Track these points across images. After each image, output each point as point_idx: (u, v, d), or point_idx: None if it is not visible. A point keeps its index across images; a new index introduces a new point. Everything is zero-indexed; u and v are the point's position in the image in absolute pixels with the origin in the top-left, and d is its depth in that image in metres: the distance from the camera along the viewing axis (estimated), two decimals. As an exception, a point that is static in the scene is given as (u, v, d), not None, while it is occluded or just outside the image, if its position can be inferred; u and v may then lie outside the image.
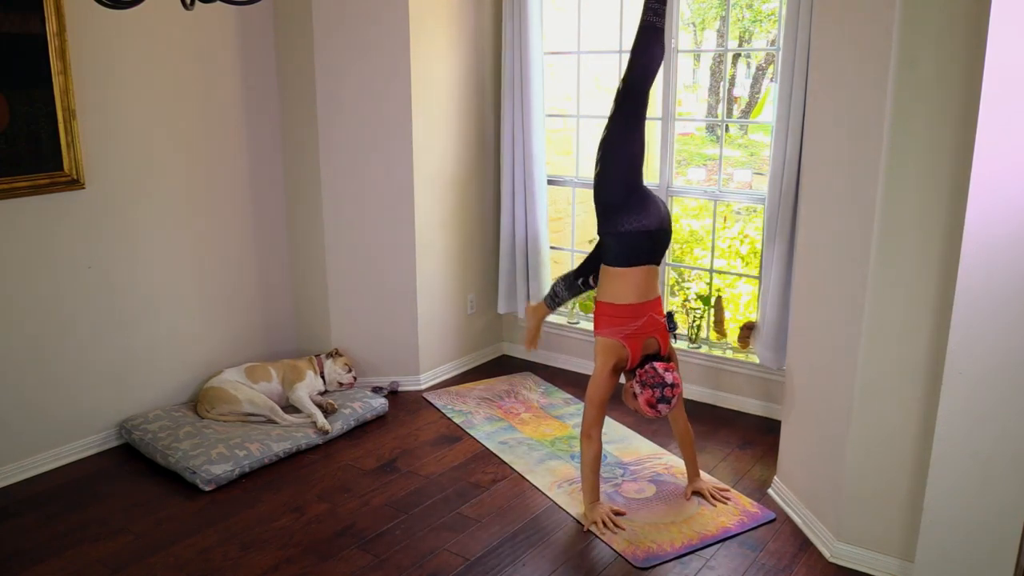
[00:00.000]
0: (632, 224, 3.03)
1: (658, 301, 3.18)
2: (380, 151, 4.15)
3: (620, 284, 3.10)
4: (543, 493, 3.36)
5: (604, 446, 3.73)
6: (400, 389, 4.40)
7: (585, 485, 3.15)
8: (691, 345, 4.30)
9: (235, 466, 3.41)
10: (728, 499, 3.28)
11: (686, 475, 3.38)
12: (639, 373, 3.04)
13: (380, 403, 4.07)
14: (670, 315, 3.23)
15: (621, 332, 3.09)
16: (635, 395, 3.03)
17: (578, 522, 3.14)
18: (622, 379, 3.20)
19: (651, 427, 3.92)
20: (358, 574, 2.83)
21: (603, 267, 3.17)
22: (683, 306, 4.38)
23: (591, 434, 3.10)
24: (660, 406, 2.98)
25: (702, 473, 3.40)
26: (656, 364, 3.02)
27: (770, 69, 7.82)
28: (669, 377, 2.99)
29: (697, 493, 3.31)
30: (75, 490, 3.37)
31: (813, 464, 3.05)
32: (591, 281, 3.40)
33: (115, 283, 3.67)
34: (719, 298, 4.37)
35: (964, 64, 2.34)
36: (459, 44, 4.34)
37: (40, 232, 3.40)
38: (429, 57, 4.16)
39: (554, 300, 3.56)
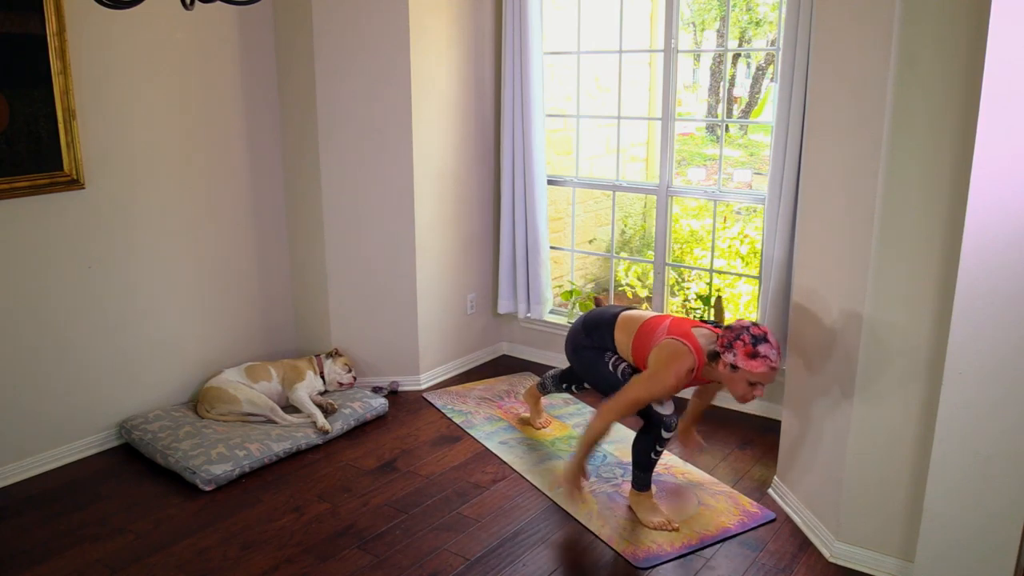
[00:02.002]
0: (581, 326, 3.35)
1: (670, 315, 3.23)
2: (380, 151, 4.15)
3: (623, 329, 3.18)
4: (543, 493, 3.36)
5: (604, 446, 3.74)
6: (400, 389, 4.40)
7: (577, 450, 3.07)
8: (691, 345, 4.29)
9: (235, 466, 3.41)
10: (702, 445, 3.51)
11: (688, 419, 3.52)
12: (718, 343, 2.84)
13: (380, 403, 4.07)
14: (719, 299, 3.27)
15: (662, 335, 3.00)
16: (733, 366, 2.78)
17: (579, 522, 3.14)
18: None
19: (651, 427, 3.92)
20: (358, 574, 2.83)
21: (616, 344, 3.21)
22: (683, 306, 4.38)
23: (606, 417, 2.97)
24: (761, 348, 2.72)
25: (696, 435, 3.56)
26: (729, 324, 2.87)
27: (770, 69, 7.82)
28: (747, 322, 2.80)
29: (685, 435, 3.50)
30: (75, 490, 3.37)
31: (813, 464, 3.05)
32: (573, 388, 3.76)
33: (115, 283, 3.67)
34: (719, 298, 4.38)
35: (964, 63, 2.34)
36: (459, 44, 4.34)
37: (40, 232, 3.40)
38: (429, 57, 4.16)
39: (544, 388, 3.89)
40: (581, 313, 3.61)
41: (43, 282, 3.43)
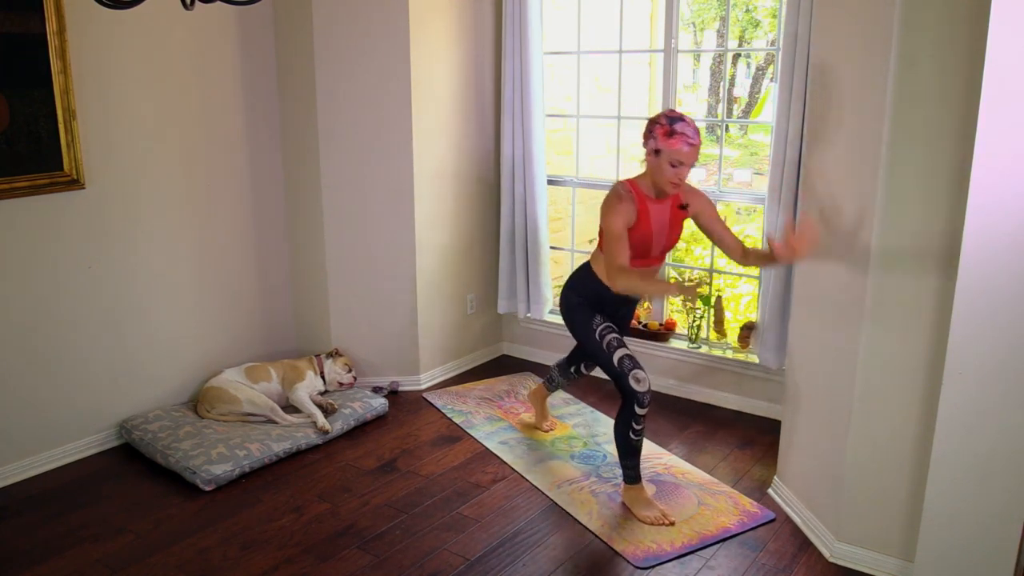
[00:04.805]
0: (569, 283, 3.31)
1: None
2: (380, 151, 4.15)
3: (594, 256, 3.20)
4: (543, 493, 3.36)
5: (603, 447, 3.74)
6: (400, 389, 4.40)
7: (643, 286, 2.95)
8: (691, 345, 4.30)
9: (235, 466, 3.41)
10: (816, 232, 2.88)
11: (772, 249, 2.87)
12: (642, 137, 2.92)
13: (380, 403, 4.07)
14: (719, 299, 3.19)
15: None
16: (656, 151, 2.84)
17: (579, 522, 3.14)
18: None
19: (651, 426, 3.92)
20: (358, 574, 2.83)
21: (599, 275, 3.17)
22: (683, 306, 4.38)
23: (616, 271, 2.86)
24: (678, 126, 2.78)
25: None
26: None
27: (770, 69, 7.82)
28: (664, 110, 2.83)
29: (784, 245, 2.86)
30: (75, 490, 3.37)
31: (813, 464, 3.05)
32: (583, 368, 3.65)
33: (115, 283, 3.67)
34: (719, 298, 4.38)
35: (964, 63, 2.33)
36: (459, 44, 4.34)
37: (40, 232, 3.40)
38: (429, 57, 4.16)
39: (551, 383, 3.84)
40: None
41: (43, 282, 3.43)
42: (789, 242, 2.81)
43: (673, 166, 2.85)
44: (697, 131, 2.83)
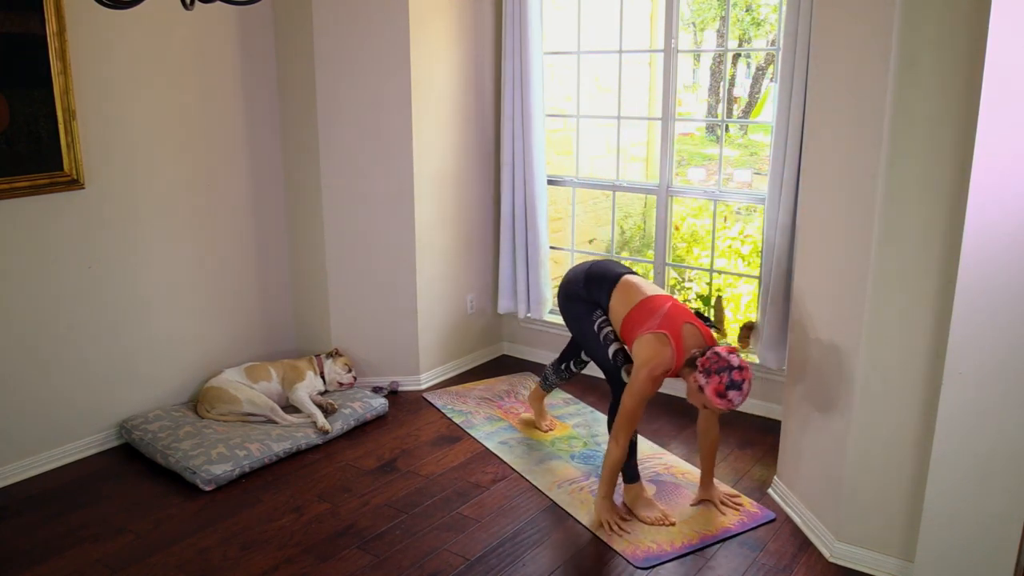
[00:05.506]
0: (583, 277, 3.31)
1: (671, 298, 3.14)
2: (380, 151, 4.15)
3: (621, 296, 3.17)
4: (543, 493, 3.36)
5: (603, 446, 3.73)
6: (400, 389, 4.40)
7: (602, 483, 3.11)
8: (691, 345, 4.30)
9: (235, 466, 3.41)
10: (739, 505, 3.22)
11: (699, 482, 3.30)
12: (701, 362, 2.80)
13: (380, 403, 4.07)
14: (719, 299, 3.24)
15: (654, 324, 2.96)
16: (700, 388, 2.80)
17: (579, 523, 3.14)
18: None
19: (651, 426, 3.92)
20: (358, 574, 2.83)
21: (610, 309, 3.20)
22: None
23: (619, 439, 3.01)
24: (731, 394, 2.74)
25: (715, 482, 3.31)
26: (719, 349, 2.80)
27: (770, 69, 7.82)
28: (735, 360, 2.75)
29: (706, 500, 3.25)
30: (75, 490, 3.37)
31: (813, 464, 3.05)
32: (572, 366, 3.71)
33: (115, 283, 3.67)
34: (719, 298, 4.38)
35: (964, 63, 2.33)
36: (459, 44, 4.34)
37: (40, 232, 3.40)
38: (429, 57, 4.16)
39: (546, 382, 3.87)
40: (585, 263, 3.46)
41: (43, 282, 3.43)
42: (715, 504, 3.23)
43: (705, 407, 2.89)
44: (746, 396, 2.78)
